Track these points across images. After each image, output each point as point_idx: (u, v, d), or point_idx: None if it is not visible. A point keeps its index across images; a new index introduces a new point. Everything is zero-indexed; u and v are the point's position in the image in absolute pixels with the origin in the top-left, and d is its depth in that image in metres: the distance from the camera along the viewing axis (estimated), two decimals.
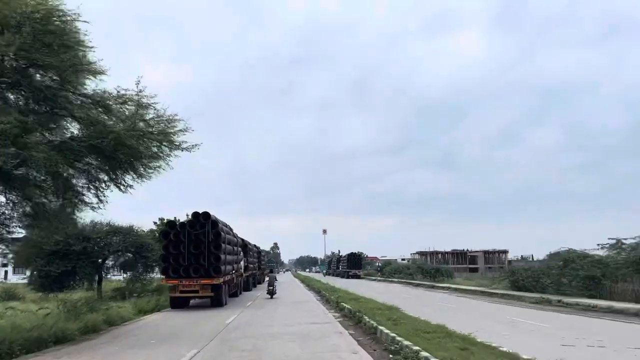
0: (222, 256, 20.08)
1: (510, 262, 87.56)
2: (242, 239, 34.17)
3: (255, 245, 44.68)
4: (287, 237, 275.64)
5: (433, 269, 54.32)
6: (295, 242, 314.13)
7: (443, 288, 36.42)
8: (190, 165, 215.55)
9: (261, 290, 35.48)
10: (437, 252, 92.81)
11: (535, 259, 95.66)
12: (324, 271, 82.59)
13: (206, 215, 19.77)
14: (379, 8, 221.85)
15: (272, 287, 26.83)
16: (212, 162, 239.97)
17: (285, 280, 64.25)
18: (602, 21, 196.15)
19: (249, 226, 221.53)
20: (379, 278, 63.29)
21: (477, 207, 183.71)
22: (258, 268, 45.86)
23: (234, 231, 27.16)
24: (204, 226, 19.58)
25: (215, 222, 19.99)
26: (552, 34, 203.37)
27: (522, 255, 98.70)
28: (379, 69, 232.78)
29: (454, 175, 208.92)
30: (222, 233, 20.51)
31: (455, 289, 33.94)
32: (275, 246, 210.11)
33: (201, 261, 19.30)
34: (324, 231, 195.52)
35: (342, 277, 74.89)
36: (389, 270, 65.87)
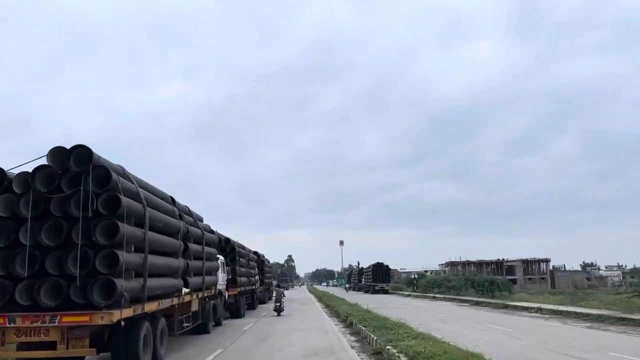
0: (123, 256, 7.98)
1: (552, 271, 76.50)
2: (226, 238, 22.86)
3: (254, 251, 33.09)
4: (302, 250, 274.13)
5: (486, 281, 42.20)
6: (311, 256, 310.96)
7: (528, 309, 24.48)
8: (202, 179, 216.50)
9: (262, 315, 24.31)
10: (469, 262, 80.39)
11: (568, 268, 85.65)
12: (346, 285, 69.81)
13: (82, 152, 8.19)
14: (393, 18, 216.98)
15: (279, 304, 23.83)
16: (225, 176, 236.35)
17: (298, 296, 52.54)
18: (621, 27, 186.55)
19: (263, 240, 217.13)
20: (413, 293, 51.24)
21: (495, 217, 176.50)
22: (260, 282, 34.21)
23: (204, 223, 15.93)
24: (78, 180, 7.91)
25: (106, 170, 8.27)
26: (570, 40, 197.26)
27: (564, 265, 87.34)
28: (394, 79, 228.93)
29: (470, 185, 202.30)
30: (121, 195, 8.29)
31: (555, 312, 22.06)
32: (290, 259, 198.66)
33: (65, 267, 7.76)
34: (341, 242, 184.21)
35: (366, 291, 63.45)
36: (424, 284, 53.88)
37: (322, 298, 39.14)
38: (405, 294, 52.29)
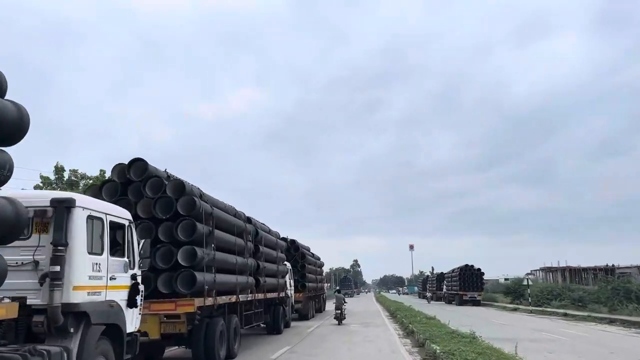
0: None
1: None
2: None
3: (287, 239, 21.62)
4: (369, 257, 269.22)
5: None
6: (379, 262, 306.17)
7: None
8: (273, 185, 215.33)
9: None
10: (569, 268, 63.54)
11: None
12: (427, 294, 54.28)
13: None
14: (466, 16, 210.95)
15: (339, 311, 22.04)
16: (295, 182, 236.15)
17: (359, 308, 39.93)
18: None
19: (331, 246, 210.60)
20: (520, 306, 36.94)
21: (576, 224, 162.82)
22: (296, 287, 22.69)
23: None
24: None
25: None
26: None
27: None
28: (467, 79, 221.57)
29: (549, 190, 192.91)
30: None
31: None
32: (356, 264, 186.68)
33: None
34: (411, 247, 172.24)
35: (449, 301, 49.76)
36: (537, 294, 39.47)
37: (395, 313, 26.37)
38: (506, 307, 38.20)
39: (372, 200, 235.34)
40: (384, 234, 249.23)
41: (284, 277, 18.10)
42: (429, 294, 51.47)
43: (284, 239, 19.33)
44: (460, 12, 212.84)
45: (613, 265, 61.99)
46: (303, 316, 23.43)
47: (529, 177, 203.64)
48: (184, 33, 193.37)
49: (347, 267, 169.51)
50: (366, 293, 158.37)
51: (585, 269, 63.68)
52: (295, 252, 23.08)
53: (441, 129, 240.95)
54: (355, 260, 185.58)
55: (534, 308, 33.34)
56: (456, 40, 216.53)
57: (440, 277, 64.19)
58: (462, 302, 45.55)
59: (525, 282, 37.06)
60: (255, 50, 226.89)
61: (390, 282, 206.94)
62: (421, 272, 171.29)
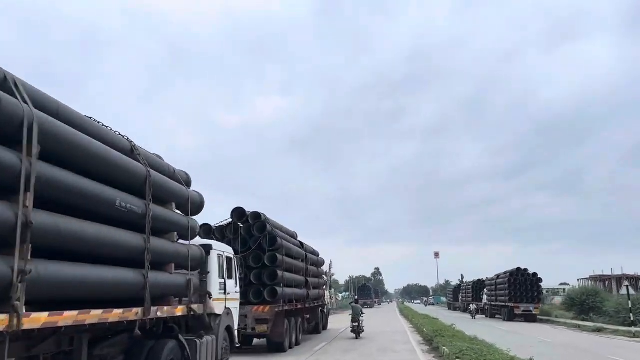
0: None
1: None
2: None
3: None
4: (393, 266, 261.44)
5: None
6: (402, 272, 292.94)
7: None
8: (298, 192, 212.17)
9: None
10: (627, 276, 51.92)
11: None
12: (472, 307, 39.08)
13: None
14: (494, 19, 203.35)
15: (357, 324, 20.14)
16: (321, 189, 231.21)
17: (377, 328, 29.74)
18: None
19: (354, 254, 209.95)
20: (615, 327, 26.16)
21: (609, 234, 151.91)
22: (245, 293, 14.00)
23: None
24: None
25: None
26: None
27: None
28: (495, 84, 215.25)
29: (580, 198, 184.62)
30: None
31: None
32: (377, 272, 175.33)
33: None
34: (436, 254, 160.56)
35: (494, 316, 39.22)
36: (616, 308, 28.75)
37: (433, 339, 15.98)
38: (582, 327, 27.48)
39: (397, 208, 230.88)
40: (408, 242, 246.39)
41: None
42: (472, 307, 40.21)
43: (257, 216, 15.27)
44: (487, 16, 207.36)
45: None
46: (272, 346, 14.86)
47: (559, 185, 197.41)
48: (211, 41, 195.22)
49: (368, 275, 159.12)
50: (388, 303, 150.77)
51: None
52: (258, 233, 14.58)
53: (468, 136, 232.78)
54: (377, 269, 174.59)
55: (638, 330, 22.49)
56: (484, 45, 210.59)
57: (479, 284, 53.21)
58: (511, 317, 34.99)
59: (625, 291, 25.97)
60: (281, 57, 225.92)
61: (414, 292, 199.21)
62: (447, 282, 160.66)
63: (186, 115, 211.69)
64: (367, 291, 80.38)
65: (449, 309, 73.50)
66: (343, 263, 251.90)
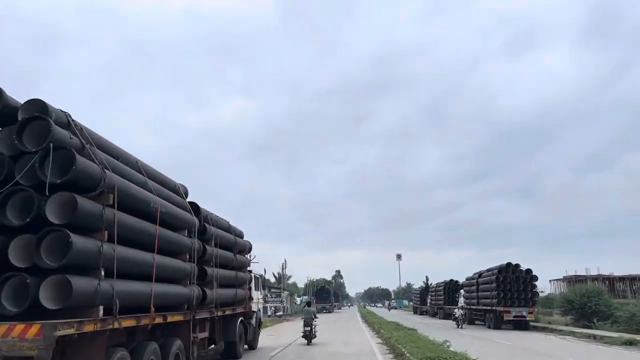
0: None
1: None
2: None
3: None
4: (354, 269, 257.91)
5: None
6: (363, 275, 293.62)
7: None
8: (260, 197, 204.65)
9: None
10: (602, 277, 47.10)
11: None
12: (457, 314, 31.86)
13: None
14: (458, 27, 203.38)
15: (309, 328, 18.80)
16: (282, 194, 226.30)
17: (333, 344, 22.27)
18: None
19: (315, 259, 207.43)
20: (611, 334, 19.70)
21: (565, 239, 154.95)
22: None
23: None
24: None
25: None
26: None
27: None
28: (457, 92, 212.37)
29: (537, 204, 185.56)
30: None
31: None
32: (338, 274, 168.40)
33: None
34: (398, 256, 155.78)
35: (472, 323, 32.58)
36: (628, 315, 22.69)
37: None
38: (604, 338, 20.89)
39: (359, 213, 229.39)
40: (370, 247, 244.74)
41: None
42: (458, 313, 30.56)
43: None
44: (451, 24, 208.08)
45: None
46: None
47: (517, 191, 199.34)
48: (171, 40, 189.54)
49: (329, 278, 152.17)
50: (349, 307, 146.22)
51: (622, 278, 47.10)
52: None
53: (430, 142, 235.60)
54: (338, 271, 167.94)
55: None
56: (447, 52, 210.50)
57: (452, 286, 46.80)
58: (499, 324, 28.39)
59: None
60: (244, 59, 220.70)
61: (375, 295, 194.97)
62: (409, 284, 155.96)
63: (144, 116, 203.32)
64: (326, 294, 73.07)
65: (415, 313, 67.14)
66: (304, 268, 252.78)
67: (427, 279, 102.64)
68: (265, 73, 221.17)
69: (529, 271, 28.67)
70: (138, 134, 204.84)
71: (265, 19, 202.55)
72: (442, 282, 49.05)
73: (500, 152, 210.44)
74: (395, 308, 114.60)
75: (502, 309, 27.81)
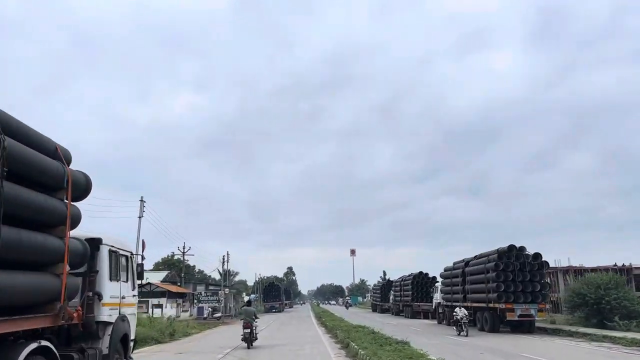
0: None
1: None
2: None
3: None
4: (306, 267, 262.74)
5: None
6: (315, 273, 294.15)
7: None
8: (211, 194, 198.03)
9: None
10: (573, 269, 42.03)
11: None
12: (459, 315, 21.13)
13: None
14: (410, 27, 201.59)
15: (249, 330, 16.87)
16: (235, 192, 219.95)
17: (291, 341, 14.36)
18: None
19: (268, 258, 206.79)
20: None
21: (511, 236, 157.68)
22: None
23: None
24: None
25: None
26: (593, 50, 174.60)
27: None
28: (409, 91, 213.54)
29: (485, 202, 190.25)
30: None
31: None
32: (290, 272, 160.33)
33: None
34: (352, 252, 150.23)
35: (453, 324, 25.01)
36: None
37: None
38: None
39: (312, 211, 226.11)
40: (322, 245, 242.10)
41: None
42: (461, 313, 20.45)
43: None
44: (403, 23, 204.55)
45: (630, 264, 38.94)
46: None
47: (465, 189, 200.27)
48: (119, 31, 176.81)
49: (281, 276, 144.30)
50: (301, 305, 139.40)
51: (594, 269, 41.98)
52: None
53: (382, 140, 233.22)
54: (290, 268, 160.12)
55: None
56: (400, 51, 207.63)
57: (421, 279, 40.13)
58: (496, 326, 21.55)
59: None
60: (196, 52, 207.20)
61: (328, 292, 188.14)
62: (362, 280, 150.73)
63: (89, 109, 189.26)
64: (275, 292, 65.10)
65: (374, 310, 60.46)
66: (256, 267, 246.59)
67: (385, 274, 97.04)
68: (217, 67, 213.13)
69: (537, 256, 21.95)
70: (82, 127, 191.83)
71: (218, 12, 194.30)
72: (409, 276, 42.28)
73: (450, 150, 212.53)
74: (350, 305, 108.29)
75: (504, 305, 20.94)
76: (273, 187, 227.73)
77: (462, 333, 19.97)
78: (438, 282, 33.07)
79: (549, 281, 23.33)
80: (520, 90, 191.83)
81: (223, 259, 50.38)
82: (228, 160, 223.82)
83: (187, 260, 66.91)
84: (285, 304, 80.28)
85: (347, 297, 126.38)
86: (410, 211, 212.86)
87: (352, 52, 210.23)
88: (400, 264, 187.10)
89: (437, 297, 31.56)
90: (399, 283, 45.18)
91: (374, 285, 69.27)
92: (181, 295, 41.49)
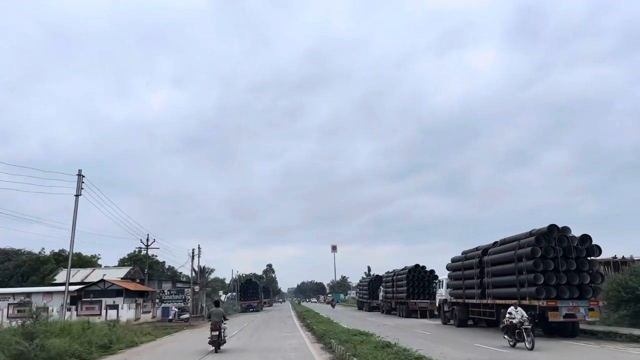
0: None
1: None
2: None
3: None
4: (286, 265, 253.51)
5: None
6: (295, 271, 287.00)
7: None
8: (190, 192, 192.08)
9: None
10: (627, 260, 37.47)
11: None
12: (517, 319, 14.50)
13: None
14: (390, 24, 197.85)
15: (217, 333, 14.75)
16: (214, 190, 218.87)
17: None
18: (622, 33, 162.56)
19: (247, 256, 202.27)
20: None
21: (486, 233, 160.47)
22: None
23: None
24: None
25: None
26: (570, 48, 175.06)
27: None
28: (389, 88, 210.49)
29: (462, 199, 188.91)
30: None
31: None
32: (270, 269, 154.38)
33: None
34: (334, 247, 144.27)
35: (462, 324, 22.10)
36: None
37: None
38: None
39: (292, 208, 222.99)
40: (302, 242, 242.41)
41: None
42: (519, 315, 15.08)
43: None
44: (384, 20, 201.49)
45: (631, 256, 34.51)
46: None
47: (443, 186, 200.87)
48: (96, 26, 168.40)
49: (260, 273, 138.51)
50: (281, 303, 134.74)
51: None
52: None
53: (362, 138, 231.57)
54: (269, 265, 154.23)
55: None
56: (380, 48, 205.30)
57: (417, 273, 35.35)
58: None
59: None
60: (175, 48, 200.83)
61: (309, 290, 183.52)
62: (343, 277, 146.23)
63: (64, 105, 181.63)
64: (253, 289, 59.57)
65: (361, 309, 55.59)
66: (235, 265, 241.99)
67: (370, 270, 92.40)
68: (196, 63, 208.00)
69: (585, 238, 17.10)
70: (57, 124, 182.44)
71: (197, 7, 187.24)
72: (404, 269, 37.41)
73: (430, 148, 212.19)
74: (331, 302, 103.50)
75: (544, 303, 16.07)
76: (253, 184, 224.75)
77: (521, 344, 14.07)
78: (438, 276, 28.58)
79: (601, 272, 18.40)
80: (498, 88, 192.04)
81: (193, 253, 44.82)
82: (207, 158, 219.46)
83: (156, 256, 61.01)
84: (265, 303, 74.98)
85: (329, 295, 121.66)
86: (389, 208, 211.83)
87: (332, 48, 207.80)
88: (378, 262, 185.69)
89: (443, 292, 26.89)
90: (390, 278, 40.25)
91: (361, 281, 64.32)
92: (141, 294, 35.89)
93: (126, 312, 32.12)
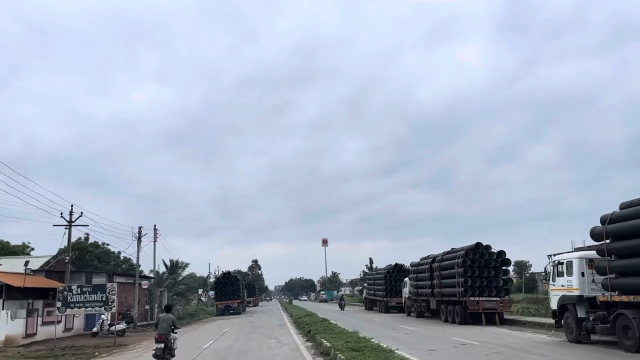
0: None
1: None
2: None
3: None
4: (273, 262, 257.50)
5: None
6: (283, 268, 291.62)
7: None
8: (176, 190, 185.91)
9: None
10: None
11: None
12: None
13: None
14: (378, 19, 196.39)
15: (162, 345, 11.54)
16: (200, 187, 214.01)
17: None
18: (608, 28, 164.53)
19: (234, 254, 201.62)
20: None
21: (474, 229, 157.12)
22: None
23: None
24: None
25: None
26: (557, 43, 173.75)
27: None
28: (376, 84, 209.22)
29: (449, 195, 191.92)
30: None
31: None
32: (256, 265, 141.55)
33: None
34: (324, 241, 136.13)
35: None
36: None
37: None
38: None
39: (279, 206, 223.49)
40: (290, 240, 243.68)
41: None
42: None
43: None
44: (372, 15, 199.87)
45: None
46: None
47: (430, 182, 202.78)
48: (77, 20, 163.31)
49: (245, 270, 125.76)
50: (268, 301, 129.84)
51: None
52: None
53: (351, 134, 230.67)
54: (255, 261, 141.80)
55: None
56: (368, 44, 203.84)
57: (479, 255, 23.37)
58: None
59: None
60: (158, 43, 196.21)
61: (298, 287, 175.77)
62: (334, 274, 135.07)
63: (44, 102, 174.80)
64: (233, 286, 46.32)
65: (371, 308, 43.46)
66: (222, 263, 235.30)
67: (371, 262, 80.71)
68: (181, 59, 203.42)
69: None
70: (36, 122, 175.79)
71: (182, 1, 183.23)
72: (452, 251, 24.99)
73: (417, 144, 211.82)
74: (325, 300, 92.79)
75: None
76: (239, 181, 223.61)
77: None
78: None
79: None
80: (486, 83, 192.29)
81: (140, 233, 31.38)
82: (193, 155, 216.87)
83: (101, 242, 47.49)
84: (249, 302, 62.77)
85: (322, 292, 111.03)
86: (377, 205, 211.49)
87: (320, 44, 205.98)
88: (365, 260, 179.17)
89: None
90: (427, 266, 27.96)
91: (367, 274, 52.55)
92: (45, 295, 22.67)
93: (5, 325, 18.87)
